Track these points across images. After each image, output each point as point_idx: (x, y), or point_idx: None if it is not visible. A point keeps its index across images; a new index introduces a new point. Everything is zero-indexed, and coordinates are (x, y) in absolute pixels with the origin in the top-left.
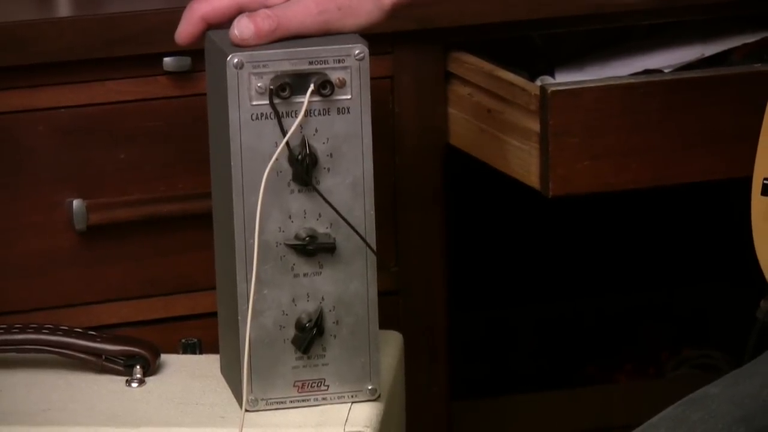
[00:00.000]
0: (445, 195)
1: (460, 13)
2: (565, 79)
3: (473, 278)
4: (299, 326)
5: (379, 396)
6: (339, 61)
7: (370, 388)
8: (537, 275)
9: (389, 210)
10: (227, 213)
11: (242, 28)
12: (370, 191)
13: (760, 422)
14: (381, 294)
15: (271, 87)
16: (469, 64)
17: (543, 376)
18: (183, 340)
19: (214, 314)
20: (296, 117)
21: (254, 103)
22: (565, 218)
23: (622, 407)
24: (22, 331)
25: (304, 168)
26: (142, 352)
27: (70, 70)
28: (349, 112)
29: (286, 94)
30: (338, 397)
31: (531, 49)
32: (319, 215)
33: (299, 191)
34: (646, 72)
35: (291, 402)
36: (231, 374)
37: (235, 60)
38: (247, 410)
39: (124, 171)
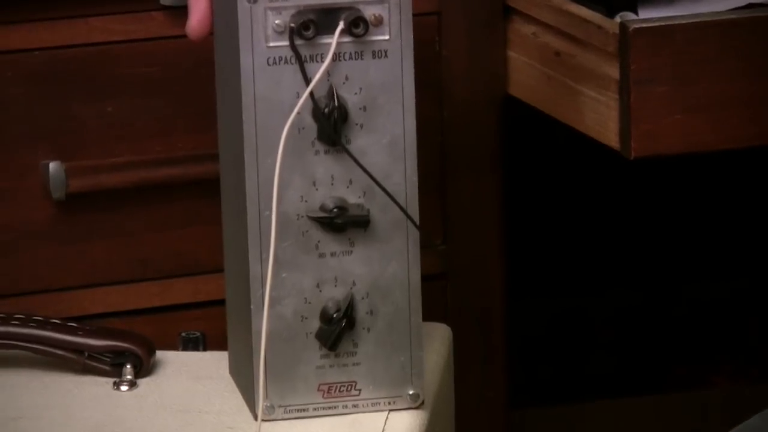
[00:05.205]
0: (503, 157)
1: None
2: (650, 15)
3: (536, 259)
4: (325, 317)
5: (422, 403)
6: None
7: (411, 393)
8: (615, 256)
9: (435, 175)
10: (238, 179)
11: None
12: (411, 153)
13: None
14: (425, 278)
15: (292, 25)
16: None
17: (622, 379)
18: (183, 334)
19: (221, 302)
20: (322, 62)
21: (271, 44)
22: (651, 185)
23: (720, 417)
24: None
25: (331, 124)
26: (133, 348)
27: (46, 4)
28: (386, 56)
29: (310, 33)
30: (372, 404)
31: None
32: (350, 182)
33: (326, 152)
34: (750, 6)
35: (315, 409)
36: (242, 375)
37: None
38: (261, 419)
39: (111, 127)
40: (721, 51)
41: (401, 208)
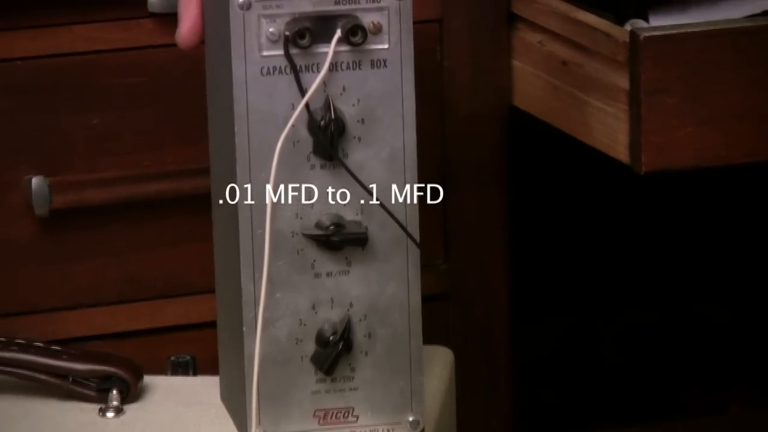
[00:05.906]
0: (507, 171)
1: None
2: (661, 23)
3: (542, 278)
4: (321, 340)
5: (422, 430)
6: (374, 1)
7: (411, 420)
8: (625, 275)
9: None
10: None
11: None
12: (412, 167)
13: None
14: (425, 299)
15: (287, 33)
16: (539, 3)
17: (631, 405)
18: (172, 358)
19: (212, 324)
20: (318, 72)
21: (265, 53)
22: (661, 201)
23: None
24: None
25: (327, 137)
26: (120, 372)
27: (28, 12)
28: (385, 65)
29: (305, 42)
30: (370, 431)
31: None
32: (347, 198)
33: (322, 167)
34: (767, 13)
35: None
36: (233, 401)
37: None
38: None
39: (98, 140)
40: (735, 60)
41: (401, 225)
